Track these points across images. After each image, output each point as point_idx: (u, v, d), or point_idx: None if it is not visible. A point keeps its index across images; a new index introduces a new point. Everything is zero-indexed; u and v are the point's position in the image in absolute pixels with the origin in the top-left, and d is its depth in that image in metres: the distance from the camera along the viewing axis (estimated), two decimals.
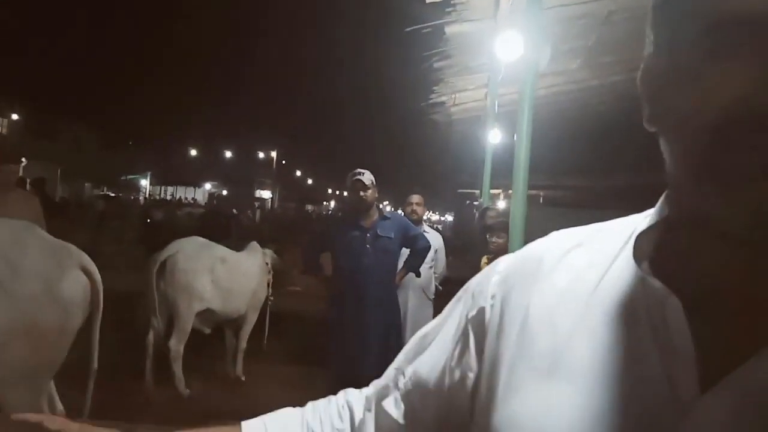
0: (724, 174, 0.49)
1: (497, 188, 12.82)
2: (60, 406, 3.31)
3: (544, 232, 0.76)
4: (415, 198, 5.73)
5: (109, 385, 4.44)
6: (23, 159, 6.12)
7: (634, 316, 0.59)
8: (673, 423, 0.52)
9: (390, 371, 0.86)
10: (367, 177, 4.60)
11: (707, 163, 0.51)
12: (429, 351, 0.80)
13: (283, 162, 70.40)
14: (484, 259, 4.68)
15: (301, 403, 0.91)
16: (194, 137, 65.13)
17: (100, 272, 3.26)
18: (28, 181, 9.54)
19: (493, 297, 0.72)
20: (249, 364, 5.98)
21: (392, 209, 17.15)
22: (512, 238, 3.06)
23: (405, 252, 4.91)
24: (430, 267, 5.63)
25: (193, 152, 62.73)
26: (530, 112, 3.08)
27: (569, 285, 0.66)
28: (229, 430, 0.88)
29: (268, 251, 6.33)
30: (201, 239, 5.83)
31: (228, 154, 66.88)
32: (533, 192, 15.22)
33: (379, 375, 0.89)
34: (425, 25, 5.99)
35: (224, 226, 14.10)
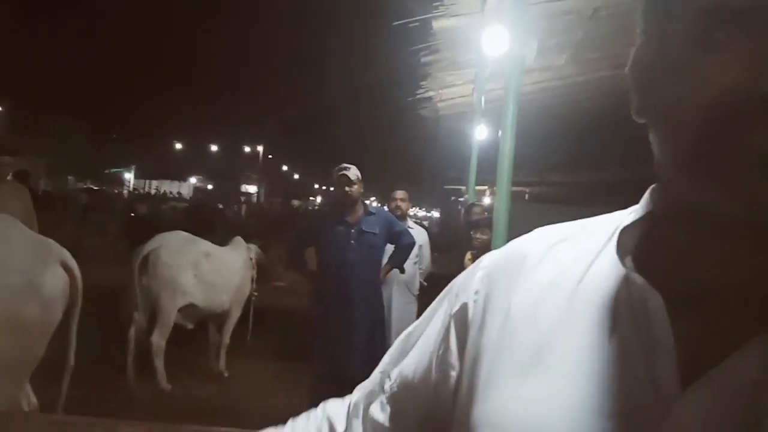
0: (719, 165, 0.48)
1: (483, 184, 12.82)
2: (34, 400, 3.30)
3: (528, 229, 0.75)
4: (400, 194, 5.72)
5: (91, 380, 4.42)
6: (11, 152, 6.05)
7: (616, 312, 0.58)
8: (655, 418, 0.51)
9: (375, 375, 0.85)
10: (353, 172, 4.59)
11: (701, 155, 0.50)
12: (413, 352, 0.79)
13: (270, 156, 70.24)
14: (468, 255, 4.70)
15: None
16: (179, 131, 64.81)
17: (82, 266, 3.27)
18: (11, 173, 9.45)
19: (476, 293, 0.71)
20: (232, 359, 5.98)
21: (379, 205, 17.15)
22: (496, 234, 3.07)
23: (390, 248, 4.91)
24: (415, 263, 5.64)
25: (178, 146, 62.37)
26: (515, 107, 3.09)
27: (553, 280, 0.65)
28: None
29: (253, 246, 6.33)
30: (184, 233, 5.81)
31: (213, 148, 66.58)
32: (518, 188, 15.30)
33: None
34: (412, 19, 5.97)
35: (209, 221, 14.08)
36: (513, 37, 3.37)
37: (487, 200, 12.07)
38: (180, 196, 38.94)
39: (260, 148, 64.49)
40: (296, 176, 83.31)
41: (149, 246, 5.38)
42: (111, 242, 12.52)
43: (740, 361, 0.50)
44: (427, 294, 5.63)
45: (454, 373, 0.71)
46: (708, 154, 0.49)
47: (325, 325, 4.58)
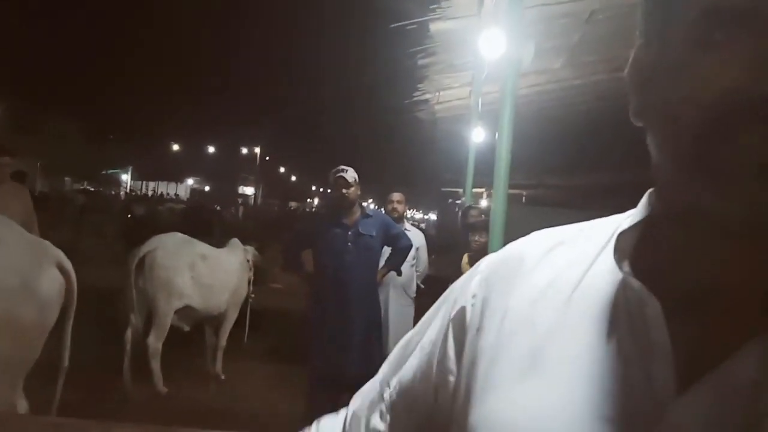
0: (718, 165, 0.48)
1: (480, 187, 12.83)
2: (24, 402, 3.30)
3: (525, 231, 0.75)
4: (396, 196, 5.73)
5: (88, 382, 4.41)
6: (11, 152, 6.04)
7: (613, 316, 0.58)
8: (651, 422, 0.51)
9: (374, 384, 0.85)
10: (350, 174, 4.59)
11: (700, 155, 0.50)
12: (412, 358, 0.79)
13: (267, 158, 70.28)
14: (465, 258, 4.70)
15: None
16: (176, 132, 64.81)
17: (79, 267, 3.25)
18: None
19: (474, 296, 0.71)
20: (228, 361, 5.96)
21: (376, 207, 17.16)
22: (492, 237, 3.06)
23: (387, 250, 4.91)
24: (412, 265, 5.64)
25: (176, 147, 62.35)
26: (512, 110, 3.08)
27: (550, 283, 0.65)
28: None
29: (250, 248, 6.32)
30: (181, 235, 5.80)
31: (211, 149, 66.60)
32: (515, 191, 15.31)
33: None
34: (410, 21, 5.97)
35: (206, 222, 14.06)
36: (509, 40, 3.36)
37: (484, 203, 12.08)
38: (177, 198, 39.00)
39: (257, 150, 64.55)
40: (293, 178, 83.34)
41: (146, 247, 5.36)
42: (108, 243, 12.52)
43: (740, 361, 0.50)
44: (424, 296, 5.64)
45: (452, 378, 0.71)
46: (707, 154, 0.49)
47: (321, 327, 4.57)
